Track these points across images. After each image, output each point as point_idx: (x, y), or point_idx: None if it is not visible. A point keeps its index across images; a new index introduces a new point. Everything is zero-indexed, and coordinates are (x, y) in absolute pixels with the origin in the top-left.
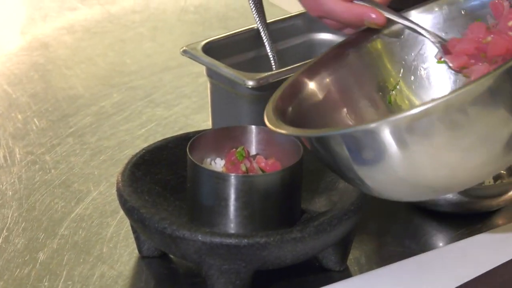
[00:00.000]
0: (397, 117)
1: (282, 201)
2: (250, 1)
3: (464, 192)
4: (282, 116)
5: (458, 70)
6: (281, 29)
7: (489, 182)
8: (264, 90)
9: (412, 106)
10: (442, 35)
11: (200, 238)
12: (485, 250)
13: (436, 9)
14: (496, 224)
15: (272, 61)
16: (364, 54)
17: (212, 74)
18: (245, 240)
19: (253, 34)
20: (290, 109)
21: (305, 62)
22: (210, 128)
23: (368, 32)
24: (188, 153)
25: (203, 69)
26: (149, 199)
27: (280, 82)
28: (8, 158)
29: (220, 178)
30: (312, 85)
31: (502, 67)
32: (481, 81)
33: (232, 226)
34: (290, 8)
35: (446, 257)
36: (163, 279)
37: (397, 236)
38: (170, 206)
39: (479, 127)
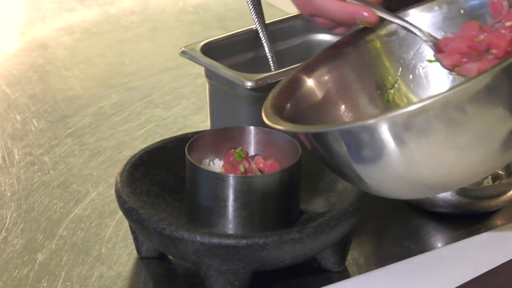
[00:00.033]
0: (395, 114)
1: (280, 202)
2: (249, 2)
3: (462, 193)
4: (280, 112)
5: (451, 69)
6: (279, 30)
7: (488, 182)
8: (263, 91)
9: (410, 104)
10: (441, 34)
11: (198, 239)
12: (484, 251)
13: (436, 8)
14: (494, 225)
15: (271, 62)
16: (363, 53)
17: (210, 75)
18: (244, 241)
19: (252, 35)
20: (288, 105)
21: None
22: (209, 129)
23: (367, 30)
24: (186, 154)
25: (201, 70)
26: (148, 200)
27: None
28: (6, 158)
29: (218, 179)
30: (310, 82)
31: (500, 65)
32: (479, 79)
33: (230, 226)
34: (288, 9)
35: (445, 258)
36: (162, 279)
37: (396, 237)
38: (168, 207)
39: (476, 125)
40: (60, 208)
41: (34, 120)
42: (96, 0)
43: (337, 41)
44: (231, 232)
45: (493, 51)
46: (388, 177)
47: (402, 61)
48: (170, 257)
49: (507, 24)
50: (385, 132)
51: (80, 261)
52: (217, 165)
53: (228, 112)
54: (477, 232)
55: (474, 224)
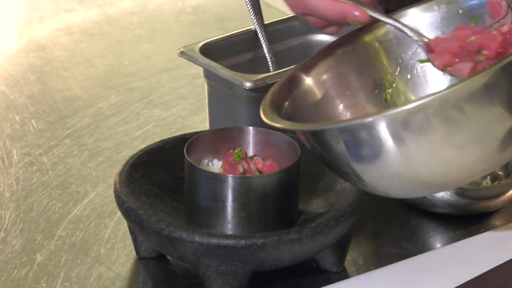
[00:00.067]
0: (393, 112)
1: (279, 202)
2: (248, 3)
3: (461, 193)
4: (278, 110)
5: (442, 69)
6: (278, 31)
7: (487, 183)
8: (262, 92)
9: (406, 102)
10: (439, 33)
11: (197, 239)
12: (483, 251)
13: (435, 7)
14: (493, 225)
15: (270, 63)
16: (361, 52)
17: (209, 75)
18: (243, 241)
19: (251, 36)
20: (286, 104)
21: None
22: (208, 130)
23: (366, 30)
24: (185, 154)
25: (200, 70)
26: (147, 200)
27: None
28: (5, 159)
29: (217, 179)
30: (308, 81)
31: (498, 64)
32: (477, 78)
33: (229, 227)
34: (287, 9)
35: (443, 258)
36: (161, 280)
37: (394, 237)
38: (167, 207)
39: (474, 123)
40: (59, 208)
41: (33, 121)
42: (95, 0)
43: (336, 40)
44: (230, 232)
45: (484, 52)
46: (386, 175)
47: (400, 60)
48: (169, 257)
49: (503, 29)
50: (383, 130)
51: (79, 261)
52: (216, 165)
53: (227, 113)
54: (476, 232)
55: (473, 224)
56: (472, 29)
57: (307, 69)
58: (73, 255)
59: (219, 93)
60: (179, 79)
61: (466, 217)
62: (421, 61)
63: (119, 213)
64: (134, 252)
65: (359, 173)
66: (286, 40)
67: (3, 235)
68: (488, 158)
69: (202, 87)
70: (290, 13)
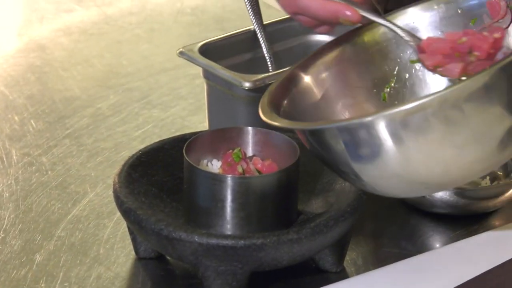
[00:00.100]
0: (392, 111)
1: (278, 203)
2: (247, 3)
3: (460, 193)
4: (276, 109)
5: (432, 69)
6: (277, 31)
7: (486, 183)
8: (261, 92)
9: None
10: (438, 33)
11: (196, 240)
12: (482, 251)
13: (435, 6)
14: (492, 225)
15: (269, 63)
16: (360, 51)
17: (208, 75)
18: (242, 242)
19: (250, 36)
20: (285, 102)
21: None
22: (207, 130)
23: (365, 29)
24: (184, 154)
25: (199, 70)
26: (146, 201)
27: None
28: (4, 159)
29: (216, 180)
30: (307, 79)
31: (498, 64)
32: (477, 78)
33: (228, 227)
34: None
35: (442, 258)
36: (160, 280)
37: (393, 237)
38: (166, 208)
39: (473, 123)
40: (58, 209)
41: (32, 121)
42: (94, 1)
43: (335, 39)
44: (229, 232)
45: (476, 53)
46: (385, 174)
47: (398, 59)
48: (168, 257)
49: (495, 35)
50: (382, 129)
51: (78, 261)
52: (215, 165)
53: (226, 113)
54: (475, 232)
55: (472, 224)
56: (464, 30)
57: (306, 67)
58: (72, 255)
59: (218, 93)
60: (178, 79)
61: (465, 217)
62: (412, 62)
63: (118, 213)
64: (133, 252)
65: (358, 173)
66: (285, 40)
67: (2, 235)
68: (487, 158)
69: (201, 87)
70: None
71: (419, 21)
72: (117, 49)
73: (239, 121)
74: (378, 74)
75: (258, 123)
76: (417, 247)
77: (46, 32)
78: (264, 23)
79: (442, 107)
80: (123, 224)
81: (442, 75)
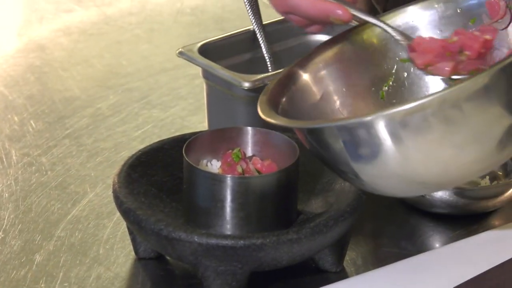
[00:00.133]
0: (392, 111)
1: (278, 203)
2: (246, 3)
3: (460, 193)
4: (275, 107)
5: (423, 68)
6: (277, 31)
7: (486, 183)
8: (260, 92)
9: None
10: (437, 32)
11: (196, 240)
12: (482, 251)
13: (435, 5)
14: (492, 225)
15: (268, 63)
16: (359, 49)
17: (208, 75)
18: (241, 242)
19: (249, 36)
20: (283, 100)
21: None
22: (206, 130)
23: (363, 27)
24: (184, 154)
25: (199, 70)
26: (145, 201)
27: None
28: (4, 160)
29: (216, 180)
30: (306, 77)
31: (498, 65)
32: (476, 78)
33: (228, 227)
34: None
35: (442, 258)
36: (160, 280)
37: (393, 237)
38: (166, 208)
39: (473, 123)
40: (57, 209)
41: (31, 121)
42: (94, 1)
43: (333, 37)
44: (228, 232)
45: (466, 52)
46: (384, 174)
47: (397, 58)
48: (168, 257)
49: (486, 37)
50: (381, 129)
51: (78, 262)
52: (214, 165)
53: (226, 113)
54: (475, 232)
55: (472, 224)
56: (455, 30)
57: (304, 65)
58: (72, 256)
59: (218, 93)
60: (178, 80)
61: (465, 217)
62: (402, 61)
63: (118, 214)
64: (133, 253)
65: (357, 172)
66: (284, 40)
67: (2, 235)
68: (486, 158)
69: (201, 87)
70: None
71: (418, 20)
72: (117, 49)
73: (238, 121)
74: (376, 72)
75: (258, 123)
76: (416, 247)
77: (46, 32)
78: (264, 23)
79: (441, 107)
80: (123, 224)
81: (432, 74)
